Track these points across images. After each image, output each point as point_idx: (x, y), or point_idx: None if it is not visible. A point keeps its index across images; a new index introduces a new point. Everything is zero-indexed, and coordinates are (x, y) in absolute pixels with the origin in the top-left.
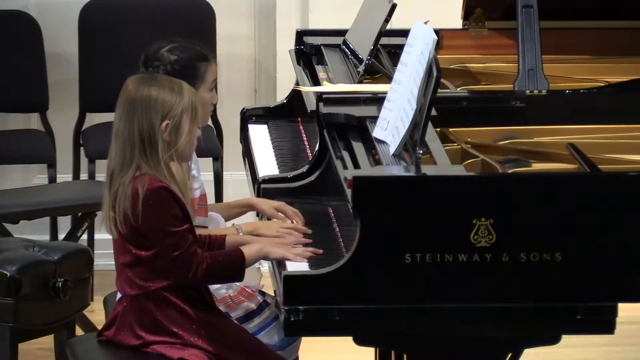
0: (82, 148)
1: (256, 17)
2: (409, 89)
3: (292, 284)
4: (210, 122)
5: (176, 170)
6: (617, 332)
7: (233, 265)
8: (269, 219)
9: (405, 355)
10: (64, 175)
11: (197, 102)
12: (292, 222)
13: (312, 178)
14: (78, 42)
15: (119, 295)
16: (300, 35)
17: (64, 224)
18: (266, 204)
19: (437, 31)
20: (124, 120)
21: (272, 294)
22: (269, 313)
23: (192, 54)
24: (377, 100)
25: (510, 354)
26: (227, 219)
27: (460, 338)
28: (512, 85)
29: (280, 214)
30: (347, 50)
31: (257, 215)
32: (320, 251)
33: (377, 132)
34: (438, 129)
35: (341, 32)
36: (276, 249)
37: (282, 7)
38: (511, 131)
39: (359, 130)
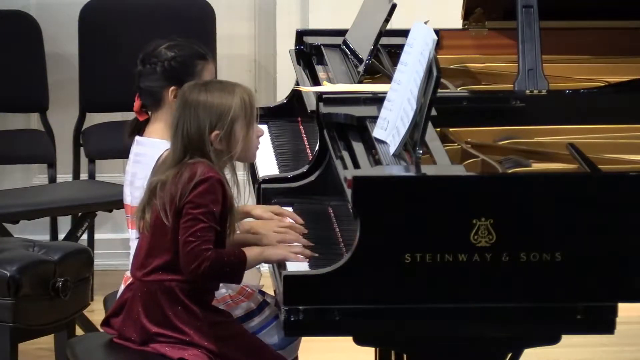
0: (82, 148)
1: (256, 17)
2: (409, 88)
3: (292, 284)
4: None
5: (228, 174)
6: (617, 332)
7: (234, 267)
8: None
9: (405, 355)
10: (64, 175)
11: (253, 104)
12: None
13: (312, 178)
14: (78, 42)
15: (121, 288)
16: (300, 35)
17: (64, 224)
18: (262, 210)
19: (437, 31)
20: (174, 125)
21: (272, 293)
22: (268, 312)
23: (190, 52)
24: (377, 100)
25: (510, 354)
26: None
27: (460, 338)
28: (512, 85)
29: (277, 217)
30: (347, 50)
31: None
32: (317, 255)
33: (377, 132)
34: (438, 129)
35: (341, 32)
36: (276, 250)
37: (282, 7)
38: (511, 131)
39: (359, 130)
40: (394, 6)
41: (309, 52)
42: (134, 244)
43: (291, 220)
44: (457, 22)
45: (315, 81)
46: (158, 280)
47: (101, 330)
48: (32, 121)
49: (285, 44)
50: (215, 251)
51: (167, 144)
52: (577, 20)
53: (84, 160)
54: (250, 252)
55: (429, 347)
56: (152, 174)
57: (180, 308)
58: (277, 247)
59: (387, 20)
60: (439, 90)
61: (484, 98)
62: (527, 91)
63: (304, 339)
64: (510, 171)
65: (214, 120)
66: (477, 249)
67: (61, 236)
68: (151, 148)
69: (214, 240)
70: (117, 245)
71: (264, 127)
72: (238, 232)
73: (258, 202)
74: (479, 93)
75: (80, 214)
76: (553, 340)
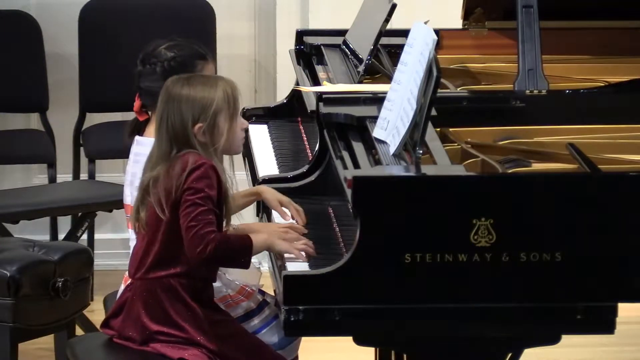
0: (82, 148)
1: (256, 17)
2: (409, 88)
3: (292, 284)
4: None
5: (218, 165)
6: (617, 332)
7: (241, 249)
8: (269, 215)
9: (405, 355)
10: (64, 175)
11: (236, 97)
12: (292, 220)
13: (312, 178)
14: (78, 42)
15: (121, 288)
16: (300, 35)
17: (64, 224)
18: (272, 195)
19: (437, 31)
20: (159, 120)
21: (272, 293)
22: (268, 312)
23: (190, 52)
24: (377, 100)
25: (510, 354)
26: (236, 209)
27: (460, 338)
28: (512, 85)
29: (281, 208)
30: (347, 50)
31: (257, 215)
32: (317, 254)
33: (377, 132)
34: (438, 129)
35: (341, 32)
36: (281, 241)
37: (282, 7)
38: (511, 131)
39: (359, 130)
40: (394, 6)
41: (309, 52)
42: (133, 244)
43: (292, 221)
44: (457, 22)
45: (315, 81)
46: (157, 277)
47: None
48: (32, 121)
49: (285, 44)
50: (220, 233)
51: None
52: (577, 20)
53: (84, 160)
54: (256, 237)
55: (429, 347)
56: (142, 173)
57: (180, 305)
58: (283, 239)
59: (387, 20)
60: (439, 90)
61: (484, 98)
62: (527, 91)
63: (304, 339)
64: (510, 171)
65: (197, 113)
66: (477, 249)
67: (61, 236)
68: (151, 148)
69: (215, 223)
70: (117, 245)
71: (263, 127)
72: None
73: (258, 202)
74: (479, 93)
75: (80, 214)
76: (553, 340)
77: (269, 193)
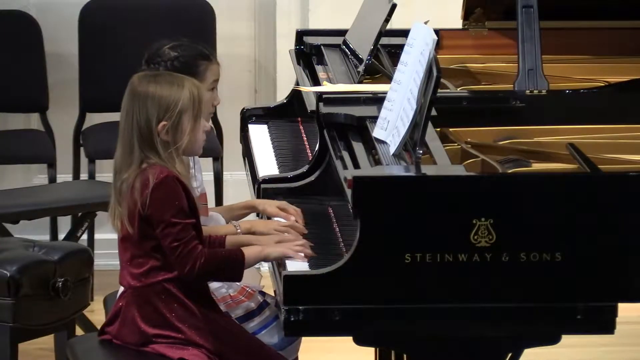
0: (82, 148)
1: (256, 17)
2: (409, 88)
3: (292, 284)
4: (210, 122)
5: (179, 166)
6: (617, 332)
7: (232, 264)
8: (269, 218)
9: (405, 355)
10: (64, 175)
11: (201, 98)
12: (292, 220)
13: (312, 178)
14: (78, 42)
15: (120, 290)
16: (300, 35)
17: (64, 224)
18: (269, 205)
19: (437, 31)
20: (124, 115)
21: (272, 294)
22: (269, 313)
23: (194, 52)
24: (377, 100)
25: (510, 354)
26: (227, 222)
27: (460, 338)
28: (512, 85)
29: (282, 212)
30: (347, 50)
31: (258, 215)
32: (315, 254)
33: (377, 132)
34: (438, 129)
35: (341, 32)
36: (276, 248)
37: (282, 7)
38: (511, 131)
39: (359, 130)
40: (394, 6)
41: (309, 52)
42: None
43: (293, 219)
44: (457, 22)
45: (315, 81)
46: (149, 283)
47: None
48: (32, 121)
49: (285, 44)
50: (208, 250)
51: None
52: (577, 20)
53: (84, 160)
54: (249, 250)
55: (429, 347)
56: (113, 173)
57: (176, 306)
58: (277, 244)
59: (387, 20)
60: (439, 90)
61: (484, 98)
62: (527, 91)
63: (304, 339)
64: (510, 171)
65: (162, 111)
66: (477, 249)
67: (61, 236)
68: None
69: (196, 234)
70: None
71: (263, 127)
72: (239, 230)
73: None
74: (479, 93)
75: (80, 214)
76: (553, 340)
77: (266, 204)
